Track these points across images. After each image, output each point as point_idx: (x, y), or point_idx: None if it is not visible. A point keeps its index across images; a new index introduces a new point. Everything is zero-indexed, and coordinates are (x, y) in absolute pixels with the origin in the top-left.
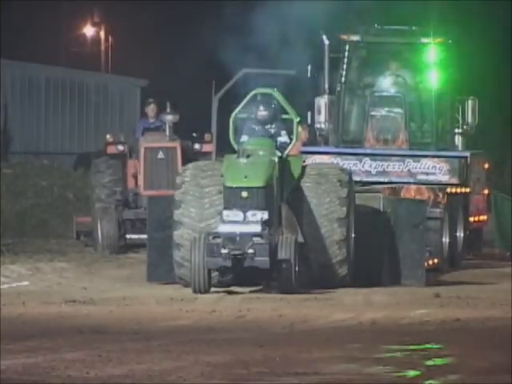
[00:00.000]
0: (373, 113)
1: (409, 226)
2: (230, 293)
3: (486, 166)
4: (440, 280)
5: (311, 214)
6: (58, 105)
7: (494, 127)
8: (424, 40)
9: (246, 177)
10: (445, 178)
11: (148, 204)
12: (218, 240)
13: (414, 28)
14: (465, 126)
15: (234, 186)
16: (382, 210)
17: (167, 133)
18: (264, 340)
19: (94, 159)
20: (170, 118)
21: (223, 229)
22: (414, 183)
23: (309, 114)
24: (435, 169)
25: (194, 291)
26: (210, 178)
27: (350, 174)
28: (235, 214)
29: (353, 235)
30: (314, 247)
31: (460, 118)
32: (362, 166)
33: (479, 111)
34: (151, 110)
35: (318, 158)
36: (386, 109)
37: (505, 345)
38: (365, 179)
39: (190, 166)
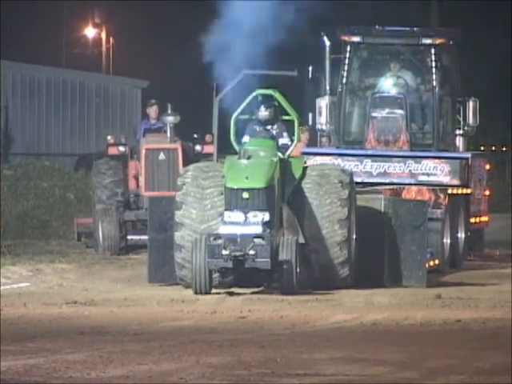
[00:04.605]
0: (374, 114)
1: (410, 226)
2: (231, 294)
3: (487, 167)
4: (441, 281)
5: (312, 215)
6: (59, 106)
7: (495, 128)
8: (425, 41)
9: (247, 178)
10: (446, 179)
11: (149, 205)
12: (219, 241)
13: (415, 29)
14: (466, 127)
15: (235, 187)
16: (382, 210)
17: (168, 134)
18: (265, 341)
19: (95, 160)
20: (170, 119)
21: (224, 230)
22: (415, 184)
23: (310, 115)
24: (436, 170)
25: (195, 292)
26: (211, 179)
27: (351, 174)
28: (236, 215)
29: (354, 236)
30: (315, 248)
31: (461, 119)
32: (363, 167)
33: (480, 112)
34: (154, 110)
35: (319, 159)
36: (387, 110)
37: (506, 346)
38: (366, 180)
39: (190, 167)
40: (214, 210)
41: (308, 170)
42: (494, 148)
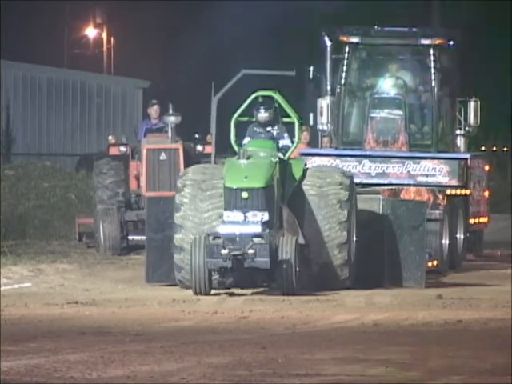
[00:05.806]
0: (373, 115)
1: (409, 227)
2: (231, 294)
3: (487, 167)
4: (442, 281)
5: (312, 216)
6: (60, 106)
7: (496, 128)
8: (424, 41)
9: (246, 177)
10: (444, 180)
11: (147, 205)
12: (219, 241)
13: (414, 29)
14: (467, 128)
15: (235, 186)
16: (381, 211)
17: (169, 134)
18: (266, 341)
19: (96, 160)
20: (172, 119)
21: (223, 229)
22: (414, 185)
23: (311, 115)
24: (435, 170)
25: (195, 293)
26: (209, 201)
27: (351, 177)
28: (235, 215)
29: (355, 238)
30: (314, 250)
31: (462, 120)
32: (362, 168)
33: (481, 112)
34: (155, 111)
35: (317, 160)
36: (386, 111)
37: (507, 346)
38: (364, 181)
39: (188, 181)
40: (212, 211)
41: (305, 187)
42: (494, 148)
